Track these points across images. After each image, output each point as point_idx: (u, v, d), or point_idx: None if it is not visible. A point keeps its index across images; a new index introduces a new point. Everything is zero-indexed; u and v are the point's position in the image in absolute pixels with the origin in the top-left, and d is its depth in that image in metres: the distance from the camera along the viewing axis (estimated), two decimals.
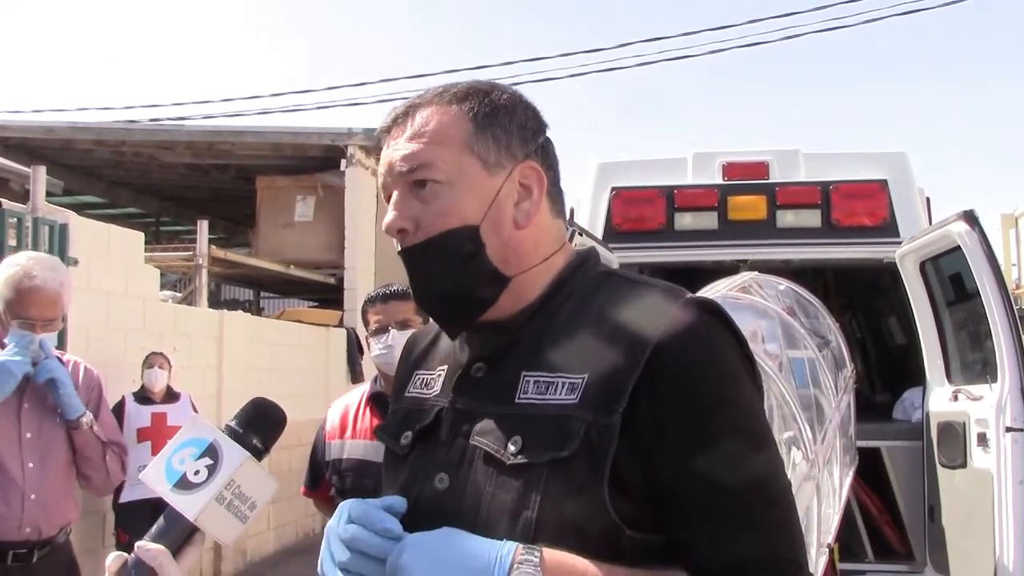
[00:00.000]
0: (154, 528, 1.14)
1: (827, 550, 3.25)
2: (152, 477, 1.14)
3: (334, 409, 2.94)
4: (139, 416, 5.64)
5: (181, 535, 1.13)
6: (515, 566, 0.95)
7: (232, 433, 1.17)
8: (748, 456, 1.02)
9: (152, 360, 5.86)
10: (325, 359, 9.59)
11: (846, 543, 4.43)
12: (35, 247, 5.22)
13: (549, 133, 1.22)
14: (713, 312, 1.08)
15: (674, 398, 1.01)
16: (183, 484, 1.12)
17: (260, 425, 1.20)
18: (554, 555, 0.97)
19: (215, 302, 11.09)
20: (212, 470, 1.12)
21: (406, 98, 1.21)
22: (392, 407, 1.29)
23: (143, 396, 5.79)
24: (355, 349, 9.88)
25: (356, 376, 9.77)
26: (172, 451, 1.15)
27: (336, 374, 9.68)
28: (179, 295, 8.92)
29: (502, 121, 1.15)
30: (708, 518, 1.00)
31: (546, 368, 1.07)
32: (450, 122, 1.13)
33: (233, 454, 1.14)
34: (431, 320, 1.27)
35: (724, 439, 1.01)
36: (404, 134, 1.14)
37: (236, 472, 1.13)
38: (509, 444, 1.04)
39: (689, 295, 1.09)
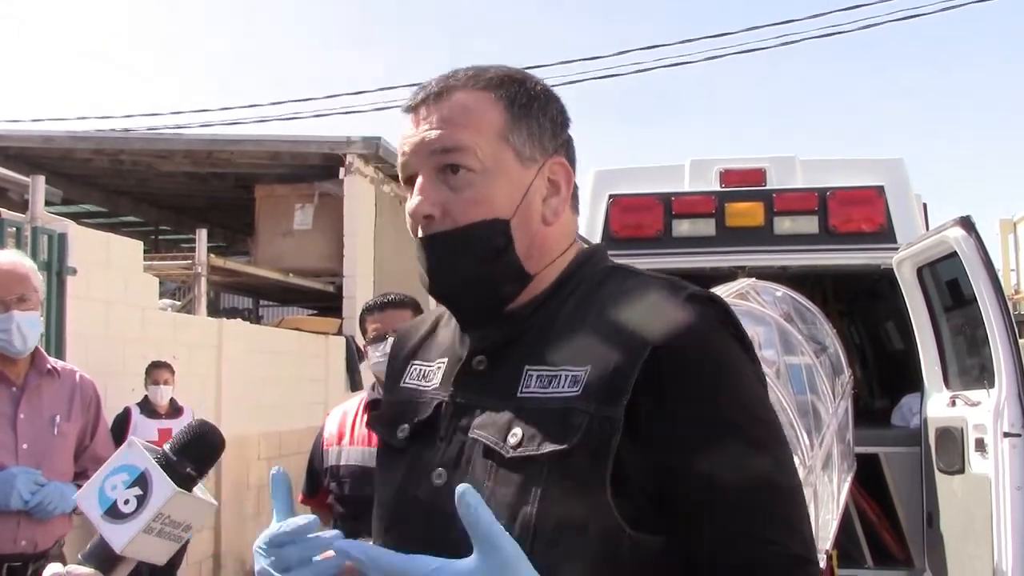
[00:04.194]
0: (89, 545, 1.15)
1: (826, 556, 3.25)
2: (85, 501, 1.14)
3: (332, 416, 2.95)
4: (145, 430, 5.63)
5: (112, 558, 1.13)
6: None
7: (166, 460, 1.15)
8: (757, 451, 0.99)
9: (156, 376, 5.86)
10: (324, 367, 9.59)
11: (845, 549, 4.43)
12: (34, 256, 5.23)
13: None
14: (716, 306, 1.05)
15: (678, 391, 0.98)
16: (113, 512, 1.12)
17: (195, 452, 1.18)
18: None
19: (214, 310, 11.09)
20: (141, 501, 1.11)
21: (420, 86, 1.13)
22: (386, 398, 1.25)
23: (149, 409, 5.80)
24: (354, 357, 9.87)
25: (355, 384, 9.76)
26: (105, 476, 1.14)
27: (335, 382, 9.67)
28: (178, 304, 8.92)
29: (536, 113, 1.11)
30: (716, 517, 0.97)
31: (549, 362, 1.03)
32: (488, 108, 1.08)
33: (162, 487, 1.12)
34: (425, 312, 1.24)
35: (730, 434, 0.98)
36: (437, 114, 1.08)
37: (164, 506, 1.12)
38: (509, 437, 1.01)
39: (693, 289, 1.05)
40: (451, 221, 1.07)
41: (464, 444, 1.06)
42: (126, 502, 1.11)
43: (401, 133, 1.13)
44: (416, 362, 1.21)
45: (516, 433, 1.00)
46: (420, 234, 1.09)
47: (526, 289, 1.10)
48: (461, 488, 0.87)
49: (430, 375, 1.17)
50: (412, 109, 1.11)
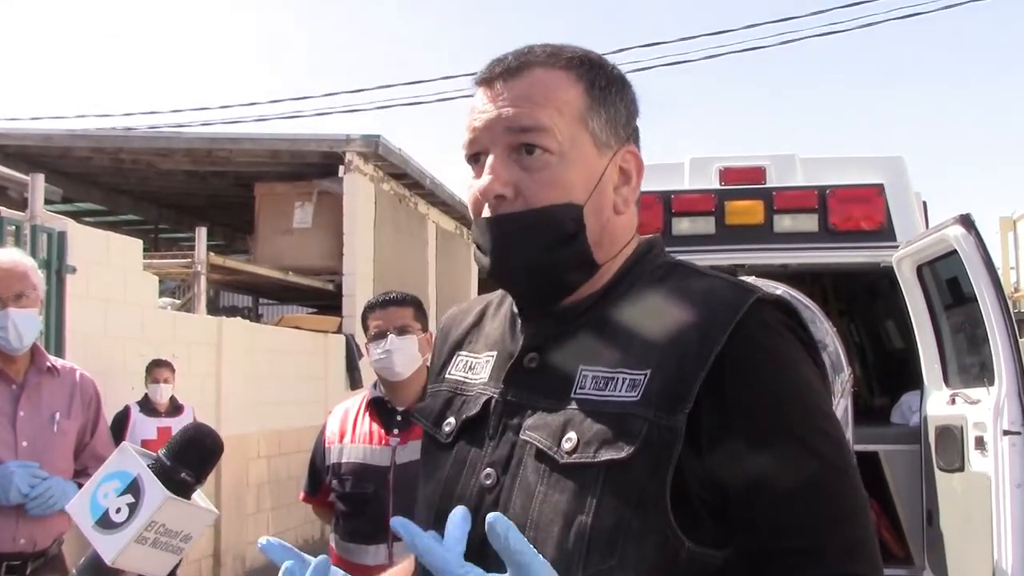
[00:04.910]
0: (83, 560, 1.10)
1: None
2: (77, 510, 1.09)
3: (334, 414, 2.96)
4: (144, 428, 5.64)
5: (106, 571, 1.08)
6: None
7: (160, 466, 1.10)
8: (823, 465, 0.94)
9: (157, 375, 5.86)
10: (324, 366, 9.59)
11: None
12: (34, 255, 5.22)
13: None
14: (784, 311, 1.00)
15: (741, 401, 0.93)
16: (104, 522, 1.07)
17: (191, 456, 1.13)
18: None
19: (214, 309, 11.09)
20: (133, 509, 1.06)
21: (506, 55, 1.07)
22: (431, 388, 1.19)
23: (149, 407, 5.80)
24: (354, 355, 9.87)
25: (355, 383, 9.76)
26: (97, 483, 1.09)
27: (335, 381, 9.67)
28: (178, 302, 8.93)
29: (614, 98, 1.07)
30: (777, 533, 0.92)
31: (606, 362, 0.98)
32: (568, 89, 1.04)
33: (154, 494, 1.07)
34: (472, 297, 1.20)
35: (793, 448, 0.93)
36: (515, 90, 1.03)
37: (156, 513, 1.06)
38: (563, 441, 0.96)
39: (761, 292, 0.99)
40: (523, 202, 1.02)
41: (515, 445, 1.01)
42: (118, 511, 1.06)
43: (471, 106, 1.07)
44: (462, 353, 1.17)
45: (571, 438, 0.96)
46: (487, 214, 1.04)
47: (587, 282, 1.06)
48: (492, 517, 0.84)
49: (478, 367, 1.12)
50: (486, 82, 1.06)
